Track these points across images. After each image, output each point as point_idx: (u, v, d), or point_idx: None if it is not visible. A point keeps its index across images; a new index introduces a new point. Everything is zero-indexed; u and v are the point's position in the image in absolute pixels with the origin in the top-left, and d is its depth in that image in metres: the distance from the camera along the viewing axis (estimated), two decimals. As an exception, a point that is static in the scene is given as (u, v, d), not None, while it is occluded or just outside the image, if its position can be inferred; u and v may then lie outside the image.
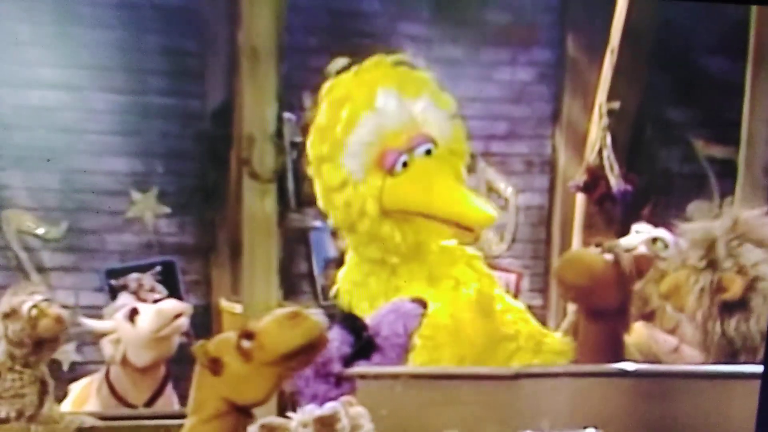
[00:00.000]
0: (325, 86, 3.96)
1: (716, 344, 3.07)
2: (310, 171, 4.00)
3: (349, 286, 4.03)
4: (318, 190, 3.97)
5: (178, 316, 3.86)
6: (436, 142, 3.81)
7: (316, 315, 2.48)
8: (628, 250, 3.94)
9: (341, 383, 3.12)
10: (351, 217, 3.82)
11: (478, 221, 3.72)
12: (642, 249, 4.06)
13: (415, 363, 3.39)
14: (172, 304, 3.92)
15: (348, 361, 3.15)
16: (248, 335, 2.42)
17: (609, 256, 3.40)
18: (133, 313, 3.86)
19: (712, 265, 3.13)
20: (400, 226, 3.78)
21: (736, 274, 3.09)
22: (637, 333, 3.79)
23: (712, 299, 3.09)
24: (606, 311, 3.40)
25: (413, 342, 3.37)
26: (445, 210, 3.72)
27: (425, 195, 3.72)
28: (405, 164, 3.74)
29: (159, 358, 3.85)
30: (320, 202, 3.98)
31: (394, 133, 3.74)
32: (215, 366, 2.42)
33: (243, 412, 2.47)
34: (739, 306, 3.10)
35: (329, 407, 2.36)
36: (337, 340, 3.17)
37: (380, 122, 3.75)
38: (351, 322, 3.30)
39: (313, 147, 3.96)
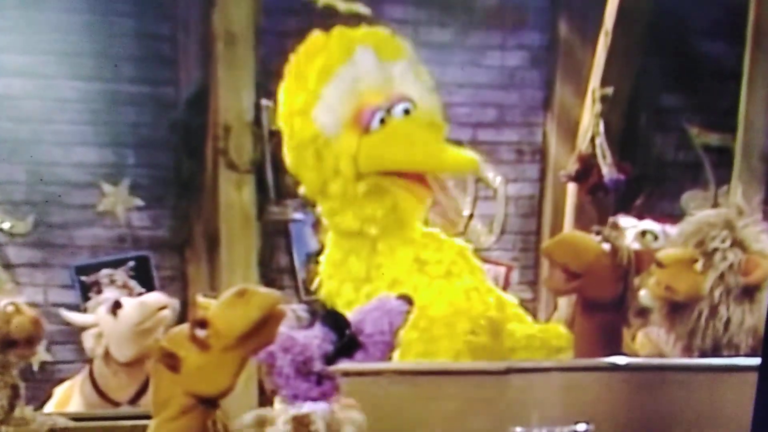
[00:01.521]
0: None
1: (708, 334, 3.16)
2: (281, 127, 3.93)
3: (331, 269, 4.00)
4: (287, 149, 3.89)
5: (162, 308, 3.89)
6: (415, 103, 3.80)
7: (263, 290, 2.48)
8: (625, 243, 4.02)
9: (323, 381, 3.16)
10: (323, 176, 3.76)
11: (459, 166, 3.74)
12: (634, 245, 4.12)
13: (409, 356, 3.45)
14: (155, 297, 3.95)
15: (330, 360, 3.19)
16: (201, 323, 2.38)
17: (606, 245, 3.45)
18: (115, 307, 3.89)
19: (740, 245, 3.22)
20: (376, 192, 3.76)
21: (763, 259, 3.19)
22: (643, 342, 3.83)
23: (735, 281, 3.18)
24: (602, 303, 3.45)
25: (398, 340, 3.42)
26: (425, 161, 3.74)
27: (404, 150, 3.71)
28: (382, 121, 3.72)
29: (142, 353, 3.88)
30: (289, 163, 3.90)
31: (371, 89, 3.70)
32: (172, 362, 2.41)
33: (208, 404, 2.48)
34: (748, 294, 3.20)
35: (306, 407, 2.40)
36: (319, 337, 3.21)
37: (357, 77, 3.71)
38: (333, 319, 3.34)
39: (285, 100, 3.90)
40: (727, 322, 3.19)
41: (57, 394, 4.03)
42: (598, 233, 3.50)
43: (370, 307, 3.50)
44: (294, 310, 3.18)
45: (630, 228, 4.28)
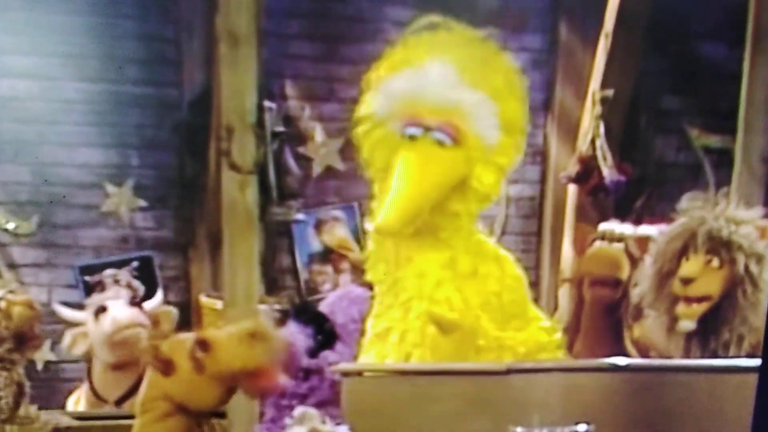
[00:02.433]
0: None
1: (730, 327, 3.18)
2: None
3: (373, 247, 3.99)
4: None
5: (132, 326, 3.89)
6: (462, 137, 3.75)
7: (276, 337, 2.46)
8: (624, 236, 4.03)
9: (310, 376, 3.16)
10: (368, 150, 3.81)
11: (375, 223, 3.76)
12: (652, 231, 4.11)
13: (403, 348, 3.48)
14: (127, 315, 3.93)
15: (312, 353, 3.19)
16: (203, 345, 2.39)
17: (619, 245, 3.47)
18: (100, 311, 3.90)
19: (736, 222, 3.25)
20: None
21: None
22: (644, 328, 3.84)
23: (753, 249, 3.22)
24: (613, 301, 3.47)
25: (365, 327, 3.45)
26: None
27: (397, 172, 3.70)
28: (412, 137, 3.74)
29: (121, 359, 3.89)
30: None
31: (426, 105, 3.71)
32: (166, 367, 2.39)
33: (193, 415, 2.47)
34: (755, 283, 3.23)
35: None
36: (296, 333, 3.22)
37: (421, 86, 3.72)
38: (308, 314, 3.35)
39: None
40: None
41: (72, 401, 4.05)
42: (602, 238, 3.51)
43: (335, 297, 3.52)
44: (266, 311, 3.19)
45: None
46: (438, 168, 3.69)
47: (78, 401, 4.02)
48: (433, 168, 3.68)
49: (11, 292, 2.98)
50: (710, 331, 3.28)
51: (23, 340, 2.95)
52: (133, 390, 3.90)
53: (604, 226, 4.16)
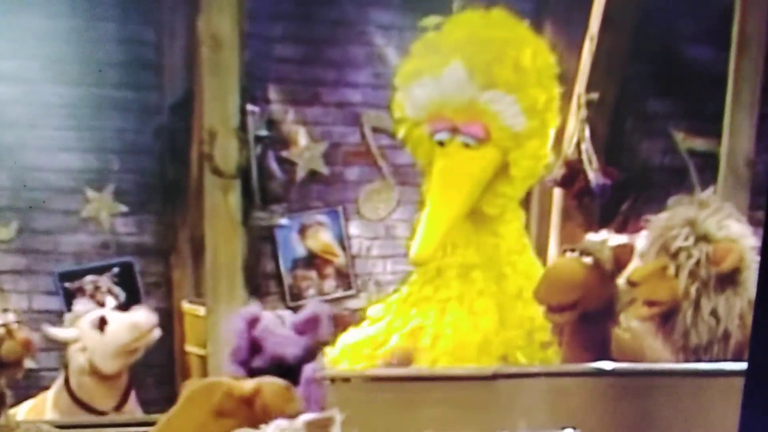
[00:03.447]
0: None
1: (702, 330, 3.17)
2: None
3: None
4: None
5: (154, 327, 3.91)
6: (486, 135, 3.80)
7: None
8: (602, 243, 4.03)
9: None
10: (411, 148, 3.97)
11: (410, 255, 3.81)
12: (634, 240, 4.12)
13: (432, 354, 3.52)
14: (146, 318, 3.94)
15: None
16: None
17: (587, 259, 3.42)
18: (102, 323, 3.88)
19: (704, 239, 3.22)
20: None
21: (731, 244, 3.20)
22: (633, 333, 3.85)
23: (707, 273, 3.18)
24: (594, 312, 3.45)
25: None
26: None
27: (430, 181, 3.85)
28: (441, 143, 3.80)
29: (127, 366, 3.89)
30: None
31: (453, 104, 3.76)
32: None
33: None
34: (728, 281, 3.21)
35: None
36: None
37: (442, 90, 3.77)
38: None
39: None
40: (714, 313, 3.19)
41: (24, 410, 4.00)
42: (572, 250, 3.49)
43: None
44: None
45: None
46: (470, 171, 3.76)
47: (36, 409, 3.97)
48: (464, 174, 3.76)
49: (18, 322, 2.97)
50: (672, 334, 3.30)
51: (5, 365, 2.94)
52: (126, 396, 3.91)
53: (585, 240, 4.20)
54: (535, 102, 3.80)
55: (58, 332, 3.95)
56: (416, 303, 3.83)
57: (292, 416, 2.51)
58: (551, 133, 3.96)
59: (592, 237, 4.08)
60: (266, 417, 2.53)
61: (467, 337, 3.73)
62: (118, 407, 3.89)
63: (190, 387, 2.67)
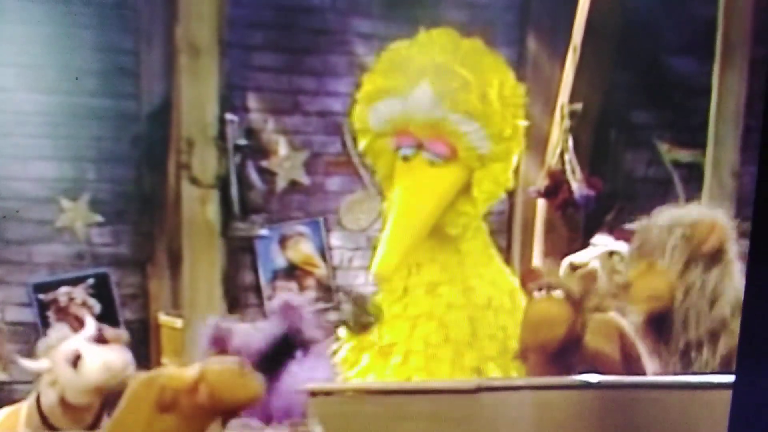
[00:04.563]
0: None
1: (702, 319, 3.19)
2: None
3: None
4: None
5: (128, 368, 3.82)
6: (451, 154, 3.83)
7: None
8: (576, 267, 4.03)
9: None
10: (371, 160, 4.03)
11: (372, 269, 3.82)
12: (594, 264, 4.14)
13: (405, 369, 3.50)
14: (120, 359, 3.83)
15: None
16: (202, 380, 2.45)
17: (558, 294, 3.43)
18: (76, 359, 3.80)
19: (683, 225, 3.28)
20: None
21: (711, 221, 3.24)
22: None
23: (692, 255, 3.22)
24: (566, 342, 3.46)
25: None
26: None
27: (392, 204, 3.86)
28: (405, 158, 3.83)
29: (99, 400, 3.82)
30: None
31: (419, 122, 3.79)
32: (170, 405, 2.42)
33: None
34: (718, 259, 3.24)
35: None
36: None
37: (409, 108, 3.82)
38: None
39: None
40: (711, 294, 3.22)
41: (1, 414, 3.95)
42: (540, 288, 3.49)
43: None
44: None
45: (600, 246, 4.30)
46: (434, 188, 3.78)
47: (9, 420, 3.91)
48: (429, 191, 3.77)
49: None
50: (663, 334, 3.31)
51: None
52: (96, 421, 3.84)
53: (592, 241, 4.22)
54: (501, 131, 3.86)
55: (30, 364, 3.88)
56: (386, 321, 3.82)
57: (251, 401, 2.43)
58: (515, 159, 4.03)
59: (575, 257, 4.11)
60: (217, 404, 2.43)
61: (439, 350, 3.73)
62: (90, 428, 3.82)
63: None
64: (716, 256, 3.27)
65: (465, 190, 3.87)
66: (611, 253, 4.25)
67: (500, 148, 3.86)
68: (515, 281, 4.03)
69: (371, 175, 4.16)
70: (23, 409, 3.94)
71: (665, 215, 3.37)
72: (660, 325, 3.33)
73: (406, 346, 3.74)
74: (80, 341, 3.80)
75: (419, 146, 3.80)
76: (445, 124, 3.79)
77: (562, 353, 3.43)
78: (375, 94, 3.88)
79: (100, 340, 3.79)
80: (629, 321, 3.33)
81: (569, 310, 3.39)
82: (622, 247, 4.25)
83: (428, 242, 3.89)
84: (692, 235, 3.28)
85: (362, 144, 3.98)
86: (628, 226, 3.54)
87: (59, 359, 3.78)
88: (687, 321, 3.27)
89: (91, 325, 3.91)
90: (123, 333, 3.99)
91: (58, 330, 3.95)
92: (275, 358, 3.18)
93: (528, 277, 3.80)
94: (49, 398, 3.78)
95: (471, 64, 3.87)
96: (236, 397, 2.43)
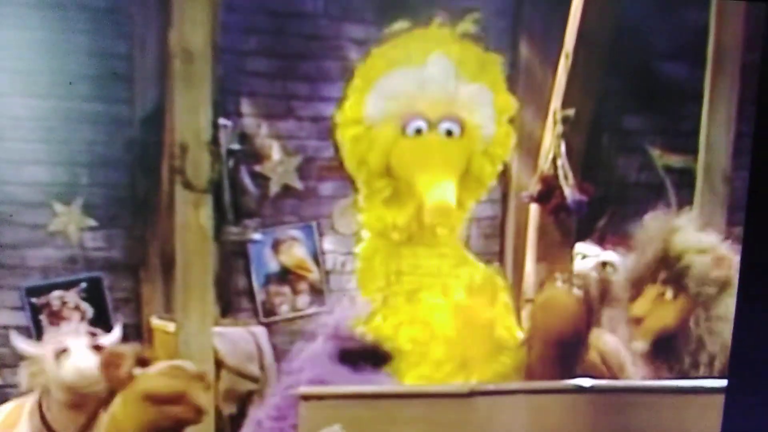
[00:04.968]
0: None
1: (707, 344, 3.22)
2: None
3: (361, 263, 4.09)
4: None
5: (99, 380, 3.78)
6: (465, 129, 3.83)
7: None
8: (588, 275, 4.05)
9: None
10: (358, 154, 3.89)
11: (428, 206, 3.75)
12: (593, 275, 4.16)
13: (399, 364, 3.49)
14: (92, 368, 3.79)
15: None
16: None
17: (577, 291, 3.47)
18: (61, 353, 3.79)
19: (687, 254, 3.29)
20: (398, 198, 3.86)
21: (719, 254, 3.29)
22: (604, 341, 3.87)
23: (703, 286, 3.26)
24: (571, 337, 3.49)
25: None
26: (416, 189, 3.79)
27: (412, 169, 3.78)
28: (419, 131, 3.77)
29: (78, 402, 3.79)
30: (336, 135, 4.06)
31: (429, 98, 3.77)
32: None
33: None
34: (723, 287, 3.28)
35: None
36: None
37: (421, 81, 3.78)
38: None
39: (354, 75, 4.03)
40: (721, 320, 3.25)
41: (2, 413, 3.95)
42: (564, 281, 3.53)
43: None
44: None
45: (592, 257, 4.31)
46: (453, 157, 3.76)
47: (14, 420, 3.91)
48: (449, 157, 3.75)
49: None
50: (669, 356, 3.32)
51: None
52: (87, 425, 3.82)
53: (576, 264, 4.22)
54: (508, 109, 3.87)
55: (23, 345, 3.88)
56: (368, 332, 3.81)
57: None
58: (500, 167, 4.05)
59: (584, 248, 4.11)
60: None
61: (428, 348, 3.73)
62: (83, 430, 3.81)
63: None
64: (723, 285, 3.28)
65: (462, 178, 3.86)
66: (604, 264, 4.26)
67: (503, 131, 3.88)
68: (490, 271, 4.06)
69: (353, 175, 4.04)
70: (26, 407, 3.95)
71: (668, 239, 3.38)
72: (665, 347, 3.35)
73: (392, 345, 3.73)
74: (75, 339, 3.79)
75: (431, 124, 3.79)
76: (461, 98, 3.79)
77: (565, 349, 3.45)
78: (379, 69, 3.85)
79: (96, 347, 3.78)
80: (633, 348, 3.35)
81: (583, 309, 3.43)
82: (612, 256, 4.27)
83: (412, 248, 3.88)
84: (701, 269, 3.28)
85: (351, 133, 3.91)
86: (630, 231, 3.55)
87: (48, 349, 3.78)
88: (696, 344, 3.28)
89: (83, 330, 3.91)
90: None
91: (69, 325, 3.96)
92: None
93: (557, 263, 3.85)
94: (27, 387, 3.79)
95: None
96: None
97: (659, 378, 3.29)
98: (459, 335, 3.73)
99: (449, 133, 3.80)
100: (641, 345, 3.37)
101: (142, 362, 2.46)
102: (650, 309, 3.35)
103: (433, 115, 3.77)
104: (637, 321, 3.36)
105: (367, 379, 3.22)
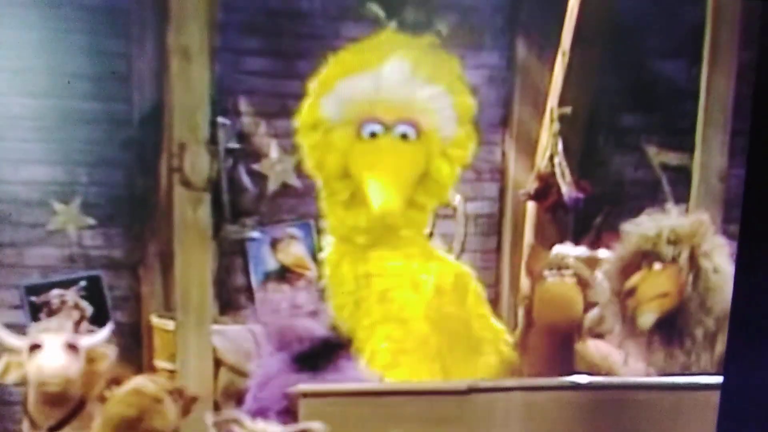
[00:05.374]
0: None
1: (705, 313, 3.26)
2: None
3: (328, 269, 4.13)
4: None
5: (61, 380, 3.72)
6: (422, 132, 3.84)
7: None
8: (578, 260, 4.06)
9: None
10: (315, 157, 3.96)
11: (373, 209, 3.78)
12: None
13: (374, 365, 3.48)
14: (55, 368, 3.67)
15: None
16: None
17: (570, 279, 3.49)
18: (34, 347, 3.75)
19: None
20: (359, 200, 3.88)
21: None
22: (594, 347, 3.88)
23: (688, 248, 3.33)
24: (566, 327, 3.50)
25: None
26: (363, 191, 3.83)
27: (364, 171, 3.82)
28: (373, 135, 3.77)
29: (49, 399, 3.76)
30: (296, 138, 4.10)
31: (385, 102, 3.78)
32: None
33: None
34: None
35: None
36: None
37: (378, 85, 3.80)
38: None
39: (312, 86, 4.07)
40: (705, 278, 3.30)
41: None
42: (551, 267, 3.54)
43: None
44: None
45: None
46: (406, 161, 3.77)
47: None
48: (402, 161, 3.76)
49: None
50: (671, 337, 3.34)
51: None
52: (64, 420, 3.79)
53: (555, 252, 4.22)
54: (468, 111, 3.89)
55: (5, 337, 3.84)
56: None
57: None
58: (458, 171, 4.07)
59: (562, 252, 4.14)
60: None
61: (404, 344, 3.74)
62: (55, 428, 3.78)
63: None
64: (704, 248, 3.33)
65: (422, 180, 3.89)
66: (598, 260, 4.27)
67: (463, 133, 3.90)
68: (458, 263, 4.12)
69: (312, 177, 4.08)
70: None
71: (646, 225, 3.42)
72: (671, 325, 3.36)
73: (369, 348, 3.74)
74: (53, 336, 3.75)
75: (387, 127, 3.81)
76: (418, 102, 3.81)
77: (564, 338, 3.48)
78: (342, 71, 3.87)
79: (71, 346, 3.72)
80: (641, 324, 3.36)
81: (581, 293, 3.47)
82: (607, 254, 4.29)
83: (378, 251, 3.89)
84: (679, 235, 3.32)
85: (309, 136, 3.95)
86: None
87: (25, 343, 3.76)
88: (698, 310, 3.30)
89: (67, 327, 3.87)
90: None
91: (50, 322, 3.93)
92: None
93: (534, 259, 3.86)
94: (12, 379, 3.77)
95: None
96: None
97: (660, 365, 3.30)
98: (434, 330, 3.74)
99: (404, 136, 3.82)
100: (648, 317, 3.39)
101: (115, 381, 2.49)
102: (641, 278, 3.38)
103: (388, 119, 3.80)
104: (630, 292, 3.38)
105: (333, 378, 3.21)
